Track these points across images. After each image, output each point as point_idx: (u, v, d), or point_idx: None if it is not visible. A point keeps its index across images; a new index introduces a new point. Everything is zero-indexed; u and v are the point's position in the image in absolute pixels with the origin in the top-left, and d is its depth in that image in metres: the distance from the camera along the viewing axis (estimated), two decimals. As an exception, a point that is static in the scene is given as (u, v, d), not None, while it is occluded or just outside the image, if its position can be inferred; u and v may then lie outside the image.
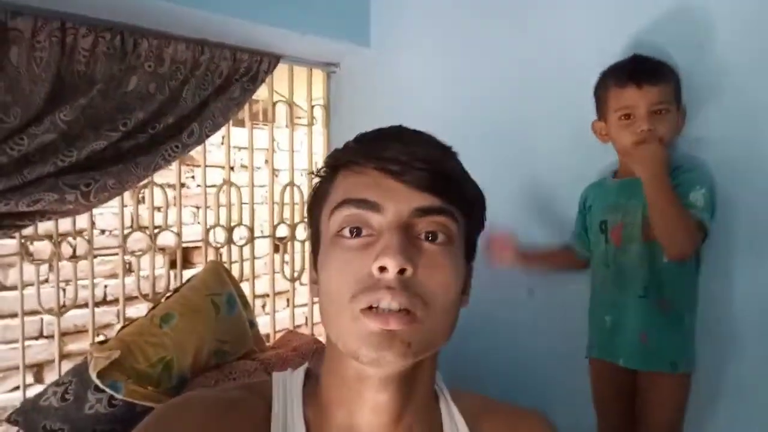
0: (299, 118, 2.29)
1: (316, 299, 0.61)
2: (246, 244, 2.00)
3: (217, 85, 1.71)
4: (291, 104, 2.08)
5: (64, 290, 2.06)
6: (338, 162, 0.61)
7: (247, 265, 2.01)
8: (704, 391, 1.31)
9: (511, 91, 1.66)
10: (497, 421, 0.67)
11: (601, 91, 1.35)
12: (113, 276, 2.41)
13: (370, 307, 0.53)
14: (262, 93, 2.02)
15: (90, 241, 1.70)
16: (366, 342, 0.53)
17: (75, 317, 2.18)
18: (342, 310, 0.55)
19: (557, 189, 1.57)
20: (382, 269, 0.53)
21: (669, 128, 1.26)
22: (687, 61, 1.32)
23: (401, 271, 0.53)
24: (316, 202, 0.62)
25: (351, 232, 0.56)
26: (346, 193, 0.57)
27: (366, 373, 0.57)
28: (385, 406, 0.59)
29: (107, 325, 2.32)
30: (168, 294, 1.68)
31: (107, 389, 1.36)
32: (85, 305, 1.81)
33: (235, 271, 1.91)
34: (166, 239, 1.92)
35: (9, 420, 1.39)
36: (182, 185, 2.65)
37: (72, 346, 2.19)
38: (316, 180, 0.63)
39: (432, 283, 0.55)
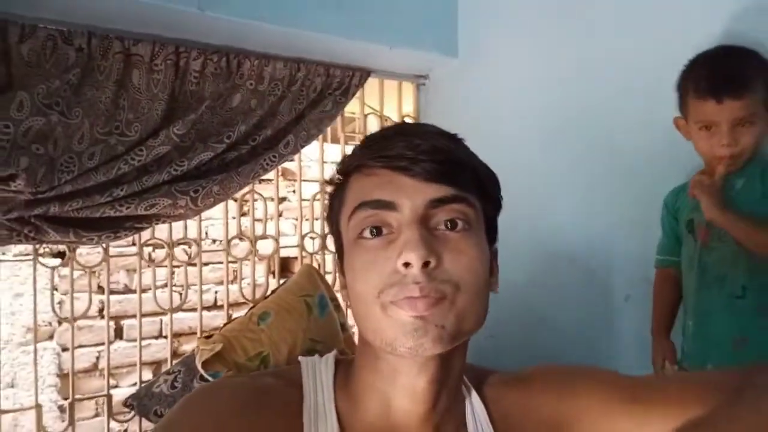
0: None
1: (348, 303, 0.62)
2: (340, 251, 2.08)
3: (311, 99, 1.82)
4: (382, 116, 2.16)
5: (180, 294, 2.25)
6: (348, 167, 0.63)
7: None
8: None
9: (601, 94, 1.61)
10: (511, 394, 0.66)
11: (681, 90, 1.25)
12: (221, 283, 2.60)
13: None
14: (355, 108, 2.11)
15: (199, 245, 1.85)
16: (401, 331, 0.54)
17: (189, 320, 2.37)
18: (371, 306, 0.56)
19: (651, 188, 1.49)
20: (407, 265, 0.54)
21: (754, 140, 1.15)
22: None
23: (425, 264, 0.54)
24: (334, 209, 0.64)
25: (371, 232, 0.58)
26: (360, 197, 0.59)
27: (402, 362, 0.58)
28: (422, 394, 0.59)
29: (217, 328, 2.49)
30: (267, 295, 1.79)
31: (210, 378, 1.47)
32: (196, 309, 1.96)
33: (330, 282, 1.98)
34: (267, 248, 2.05)
35: (125, 404, 1.54)
36: (282, 199, 2.82)
37: (186, 346, 2.37)
38: (331, 188, 0.65)
39: (459, 268, 0.56)
